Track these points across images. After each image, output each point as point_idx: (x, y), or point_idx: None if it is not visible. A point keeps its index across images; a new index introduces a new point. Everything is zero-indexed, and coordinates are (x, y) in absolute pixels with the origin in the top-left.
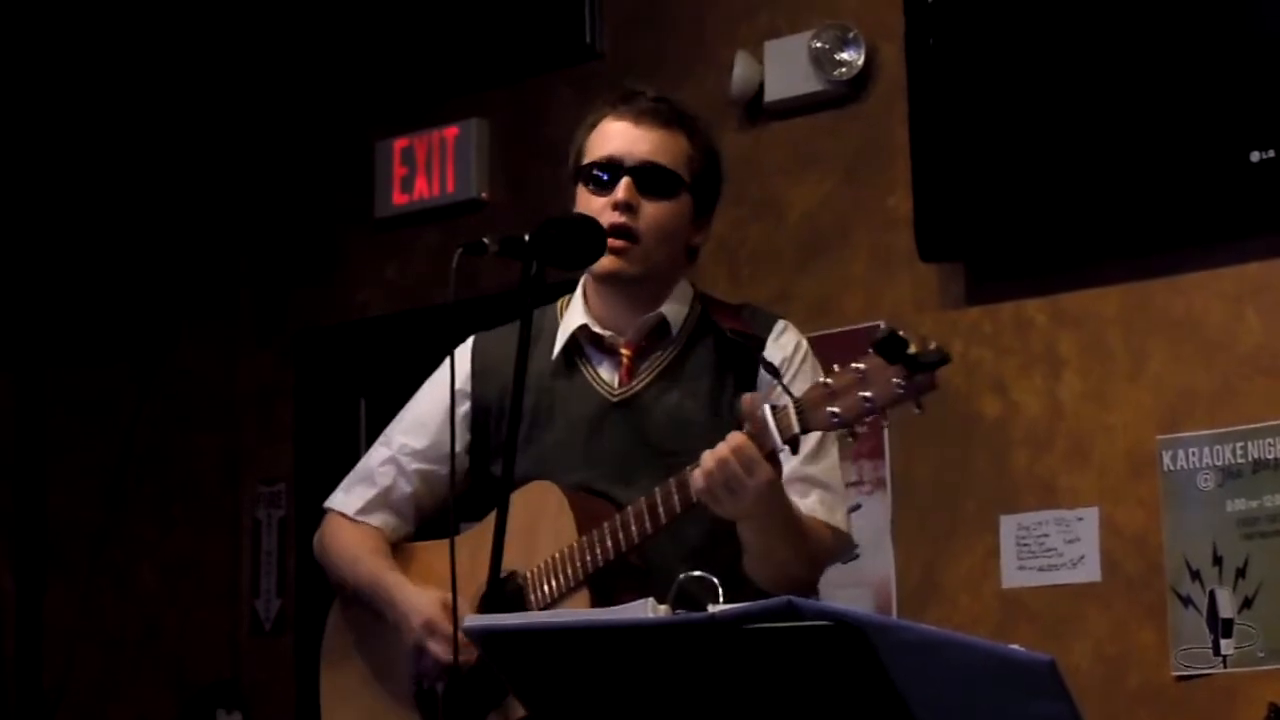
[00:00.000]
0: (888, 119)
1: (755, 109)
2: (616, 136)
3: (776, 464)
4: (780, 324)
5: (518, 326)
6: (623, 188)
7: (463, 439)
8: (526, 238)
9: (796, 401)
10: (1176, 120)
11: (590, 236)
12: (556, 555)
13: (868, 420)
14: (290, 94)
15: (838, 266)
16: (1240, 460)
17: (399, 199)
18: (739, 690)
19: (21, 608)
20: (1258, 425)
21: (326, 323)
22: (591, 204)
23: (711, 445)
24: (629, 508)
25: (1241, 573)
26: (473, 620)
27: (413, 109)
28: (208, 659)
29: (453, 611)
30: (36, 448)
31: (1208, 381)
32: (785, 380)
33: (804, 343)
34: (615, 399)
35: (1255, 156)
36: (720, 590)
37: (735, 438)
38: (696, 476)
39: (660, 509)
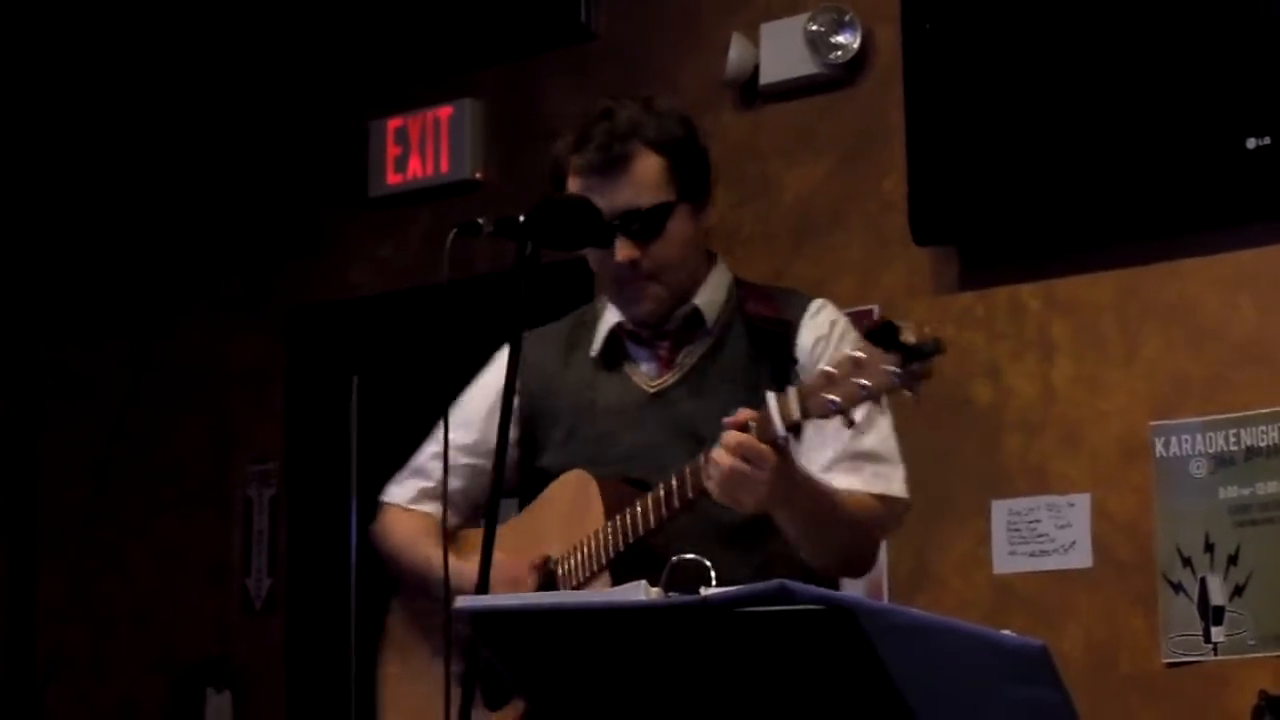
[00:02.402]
0: (883, 102)
1: (750, 92)
2: (590, 193)
3: (785, 451)
4: (815, 304)
5: (563, 324)
6: (620, 248)
7: (511, 433)
8: (521, 218)
9: (799, 388)
10: (1173, 106)
11: (585, 217)
12: (586, 540)
13: (864, 406)
14: (284, 74)
15: (832, 250)
16: (1233, 447)
17: (392, 179)
18: (731, 673)
19: (12, 587)
20: (1251, 413)
21: (318, 301)
22: (594, 257)
23: None
24: (648, 494)
25: (1233, 560)
26: (464, 601)
27: (406, 89)
28: (198, 638)
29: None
30: (27, 427)
31: (1201, 368)
32: (821, 358)
33: (841, 320)
34: (652, 391)
35: (1251, 143)
36: (713, 573)
37: (732, 436)
38: (711, 485)
39: (675, 494)
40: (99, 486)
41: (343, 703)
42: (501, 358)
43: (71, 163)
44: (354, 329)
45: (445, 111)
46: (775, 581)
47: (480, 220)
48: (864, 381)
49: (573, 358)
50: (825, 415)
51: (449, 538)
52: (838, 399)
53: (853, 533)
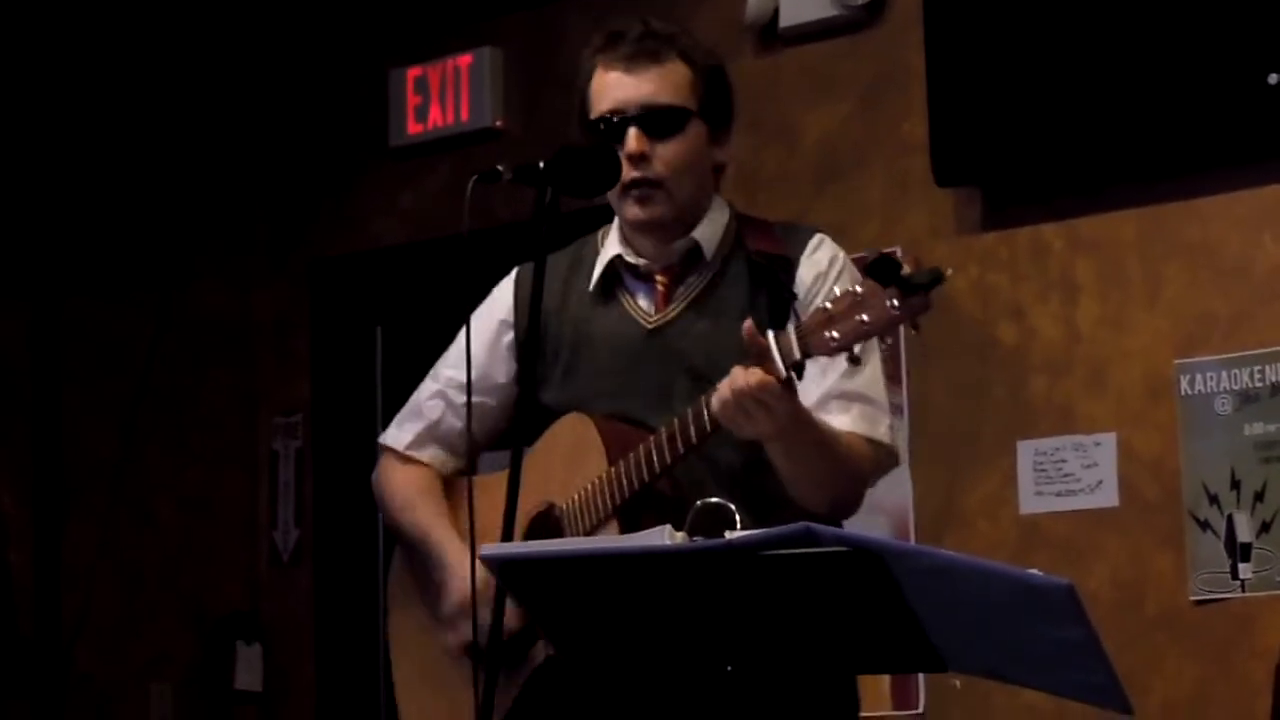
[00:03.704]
0: (903, 44)
1: (770, 35)
2: (613, 87)
3: (791, 388)
4: (815, 239)
5: (564, 255)
6: (631, 139)
7: (509, 368)
8: (541, 165)
9: (800, 326)
10: (1194, 42)
11: (605, 164)
12: (590, 486)
13: (866, 342)
14: (304, 23)
15: (854, 192)
16: (1258, 384)
17: (413, 128)
18: (756, 616)
19: (40, 541)
20: (1275, 349)
21: (341, 252)
22: None
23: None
24: (652, 437)
25: (1260, 497)
26: (490, 549)
27: (426, 37)
28: (226, 591)
29: (472, 561)
30: (53, 380)
31: (1225, 306)
32: (818, 295)
33: (840, 256)
34: (651, 327)
35: (1274, 79)
36: (738, 517)
37: (752, 373)
38: (714, 403)
39: (678, 437)
40: (125, 441)
41: (371, 653)
42: (498, 292)
43: (93, 115)
44: (377, 280)
45: (465, 60)
46: (800, 524)
47: (500, 168)
48: (864, 317)
49: (571, 290)
50: (827, 353)
51: (448, 486)
52: (837, 335)
53: (842, 472)
